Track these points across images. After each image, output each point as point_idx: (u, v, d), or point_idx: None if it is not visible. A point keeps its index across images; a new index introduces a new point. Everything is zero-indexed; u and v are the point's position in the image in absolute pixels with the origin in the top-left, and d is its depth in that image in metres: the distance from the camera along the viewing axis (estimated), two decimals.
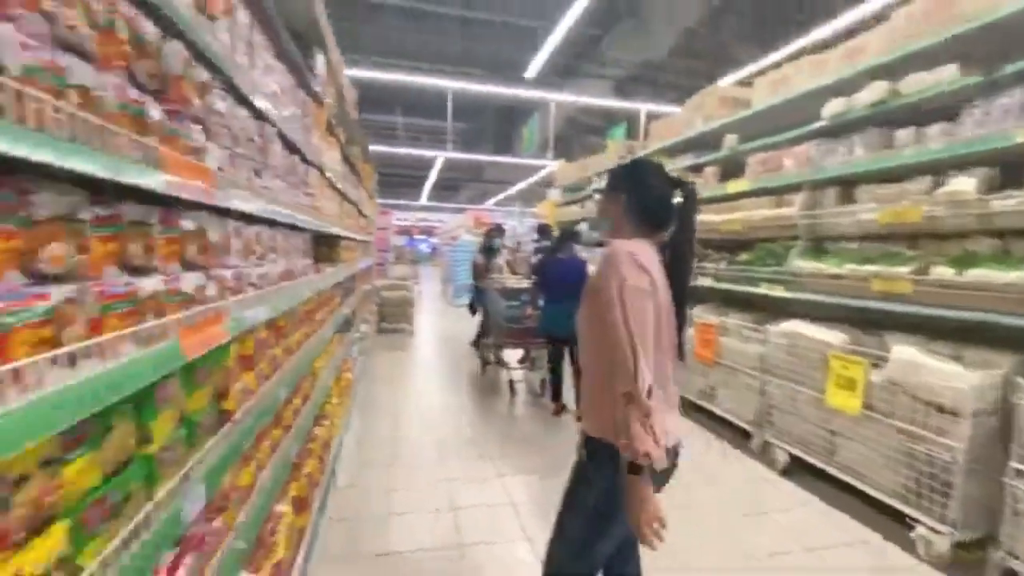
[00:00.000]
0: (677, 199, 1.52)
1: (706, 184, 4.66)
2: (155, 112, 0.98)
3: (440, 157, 14.98)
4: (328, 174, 3.24)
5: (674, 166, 5.35)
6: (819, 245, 3.63)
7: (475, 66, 11.17)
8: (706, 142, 4.90)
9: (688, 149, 5.19)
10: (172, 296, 1.08)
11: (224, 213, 1.43)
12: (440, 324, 9.69)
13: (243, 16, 1.56)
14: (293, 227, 2.34)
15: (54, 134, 0.69)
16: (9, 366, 0.62)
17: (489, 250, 6.36)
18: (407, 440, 3.86)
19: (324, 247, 3.88)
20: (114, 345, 0.84)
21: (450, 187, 24.57)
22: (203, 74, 1.21)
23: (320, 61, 3.04)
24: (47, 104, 0.67)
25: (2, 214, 0.66)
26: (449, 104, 11.12)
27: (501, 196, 23.06)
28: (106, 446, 0.86)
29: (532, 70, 8.99)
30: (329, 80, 3.44)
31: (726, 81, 7.75)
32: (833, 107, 3.35)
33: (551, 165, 13.94)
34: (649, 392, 1.27)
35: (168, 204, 1.10)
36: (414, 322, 8.57)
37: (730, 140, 4.49)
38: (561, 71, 10.75)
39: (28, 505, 0.68)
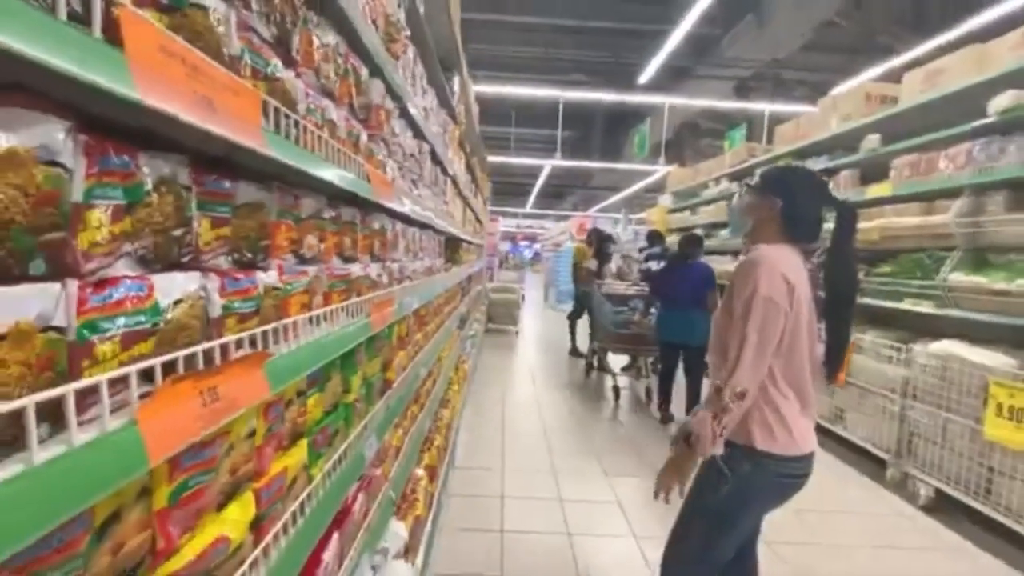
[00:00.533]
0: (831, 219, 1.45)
1: (841, 189, 4.33)
2: (364, 136, 1.25)
3: (548, 165, 15.31)
4: (458, 184, 3.58)
5: None
6: (981, 256, 3.21)
7: (588, 73, 11.30)
8: (842, 143, 4.55)
9: (821, 151, 4.84)
10: (365, 280, 1.36)
11: (392, 215, 1.72)
12: (543, 327, 9.92)
13: (412, 51, 1.86)
14: (434, 229, 2.66)
15: (317, 155, 0.95)
16: (291, 319, 0.88)
17: (601, 255, 6.40)
18: (516, 431, 4.08)
19: (450, 249, 4.26)
20: (336, 314, 1.11)
21: (555, 194, 24.89)
22: (390, 103, 1.49)
23: (456, 83, 3.38)
24: (318, 134, 0.93)
25: (286, 212, 0.93)
26: (560, 112, 11.37)
27: (606, 203, 22.86)
28: (327, 389, 1.14)
29: (646, 75, 8.91)
30: (461, 98, 3.80)
31: (866, 76, 7.04)
32: (1002, 101, 2.97)
33: (661, 171, 13.59)
34: (742, 395, 1.30)
35: (363, 207, 1.38)
36: (519, 323, 8.89)
37: (871, 141, 4.13)
38: (676, 73, 10.49)
39: (291, 422, 0.95)
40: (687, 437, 1.37)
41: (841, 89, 4.59)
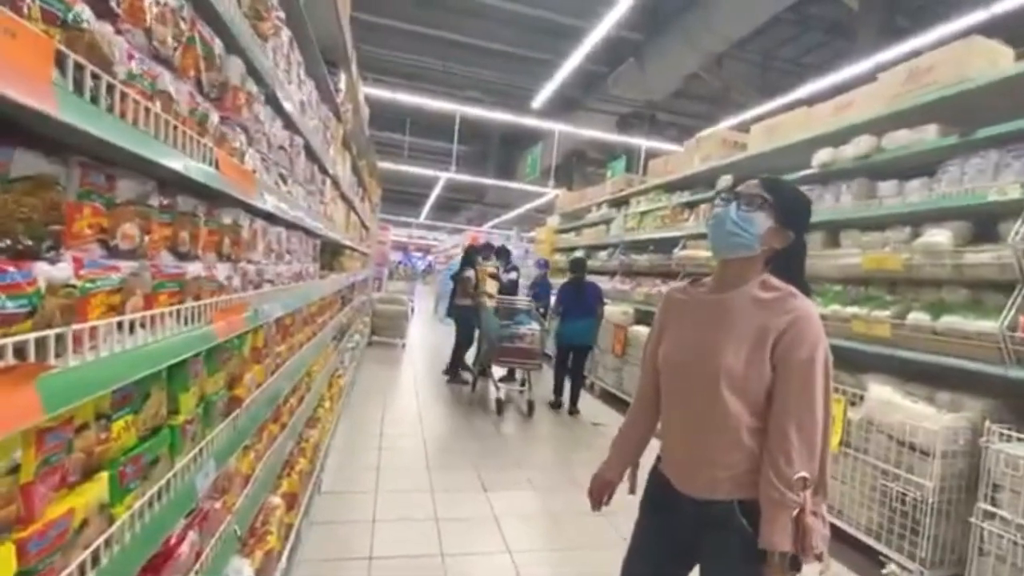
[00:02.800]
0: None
1: (701, 218, 4.85)
2: (214, 117, 1.10)
3: (443, 177, 15.27)
4: (341, 185, 3.37)
5: (669, 202, 5.55)
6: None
7: (483, 91, 11.51)
8: (702, 180, 5.12)
9: (685, 186, 5.41)
10: (209, 282, 1.18)
11: (253, 212, 1.54)
12: (431, 339, 9.73)
13: (285, 35, 1.70)
14: (306, 231, 2.45)
15: (142, 130, 0.80)
16: (87, 324, 0.72)
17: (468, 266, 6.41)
18: (392, 449, 3.89)
19: (329, 255, 3.99)
20: (163, 319, 0.94)
21: (450, 207, 24.87)
22: (253, 86, 1.34)
23: (343, 80, 3.20)
24: (142, 105, 0.78)
25: (93, 193, 0.77)
26: (456, 126, 11.42)
27: (500, 219, 23.36)
28: (144, 410, 0.95)
29: (539, 100, 9.31)
30: (348, 97, 3.61)
31: (724, 125, 8.08)
32: (822, 156, 3.56)
33: (550, 193, 14.24)
34: (819, 489, 1.14)
35: (211, 199, 1.21)
36: (407, 336, 8.62)
37: (724, 180, 4.70)
38: (567, 103, 11.12)
39: (84, 451, 0.77)
40: (785, 556, 1.09)
41: (704, 133, 5.17)
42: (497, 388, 5.24)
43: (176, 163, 0.91)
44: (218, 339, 1.18)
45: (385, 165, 12.41)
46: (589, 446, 4.35)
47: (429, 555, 2.54)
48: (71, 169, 0.71)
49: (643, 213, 6.04)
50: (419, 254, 31.47)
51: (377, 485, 3.25)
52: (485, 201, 20.82)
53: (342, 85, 3.34)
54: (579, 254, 7.38)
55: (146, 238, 0.91)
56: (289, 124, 1.80)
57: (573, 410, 5.27)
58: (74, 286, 0.71)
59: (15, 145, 0.64)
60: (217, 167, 1.10)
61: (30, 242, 0.64)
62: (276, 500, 1.99)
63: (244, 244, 1.43)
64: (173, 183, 1.02)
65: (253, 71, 1.34)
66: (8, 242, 0.61)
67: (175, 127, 0.91)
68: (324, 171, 2.65)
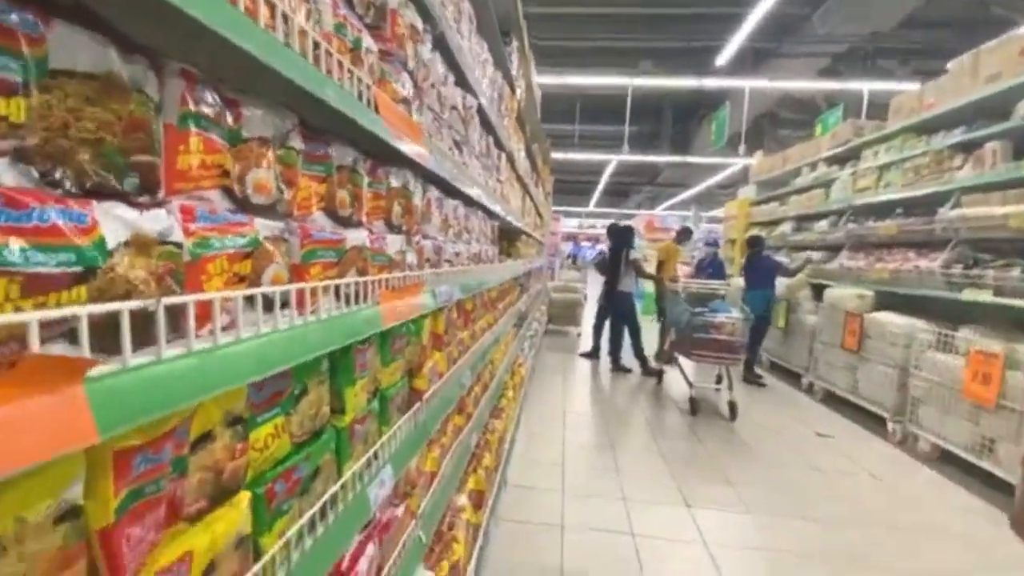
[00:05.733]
0: None
1: (987, 166, 3.50)
2: (370, 44, 0.87)
3: (614, 160, 14.64)
4: (516, 165, 3.18)
5: (928, 148, 4.18)
6: None
7: (657, 60, 10.57)
8: (987, 111, 3.70)
9: (954, 123, 4.00)
10: (376, 256, 0.98)
11: (423, 177, 1.34)
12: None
13: None
14: (484, 210, 2.27)
15: (264, 31, 0.57)
16: (195, 297, 0.50)
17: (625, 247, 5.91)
18: (580, 444, 3.61)
19: (506, 240, 3.87)
20: (316, 294, 0.73)
21: (620, 192, 23.97)
22: (418, 20, 1.11)
23: (515, 53, 2.99)
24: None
25: (205, 120, 0.56)
26: (628, 104, 10.72)
27: (674, 200, 21.69)
28: (298, 411, 0.76)
29: (725, 56, 8.10)
30: (521, 70, 3.40)
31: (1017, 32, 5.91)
32: None
33: (739, 162, 12.55)
34: None
35: (374, 155, 1.00)
36: (581, 325, 8.37)
37: None
38: (757, 56, 9.54)
39: (208, 470, 0.57)
40: None
41: (990, 45, 3.72)
42: (690, 384, 4.60)
43: (323, 90, 0.69)
44: (388, 323, 0.98)
45: (556, 155, 12.34)
46: (816, 466, 3.47)
47: None
48: (166, 78, 0.50)
49: (883, 167, 4.70)
50: (588, 243, 31.18)
51: (563, 484, 2.99)
52: (657, 182, 19.48)
53: (515, 59, 3.14)
54: (754, 232, 6.40)
55: (288, 191, 0.70)
56: (461, 80, 1.57)
57: (750, 377, 5.46)
58: (177, 244, 0.50)
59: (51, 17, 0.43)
60: (376, 110, 0.88)
61: (102, 175, 0.43)
62: (462, 500, 1.83)
63: (417, 214, 1.23)
64: (322, 127, 0.82)
65: (416, 2, 1.11)
66: (61, 172, 0.40)
67: (317, 44, 0.68)
68: (499, 145, 2.45)
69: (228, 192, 0.59)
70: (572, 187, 21.98)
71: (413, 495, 1.34)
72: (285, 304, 0.68)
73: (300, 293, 0.70)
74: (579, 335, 8.14)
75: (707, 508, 2.80)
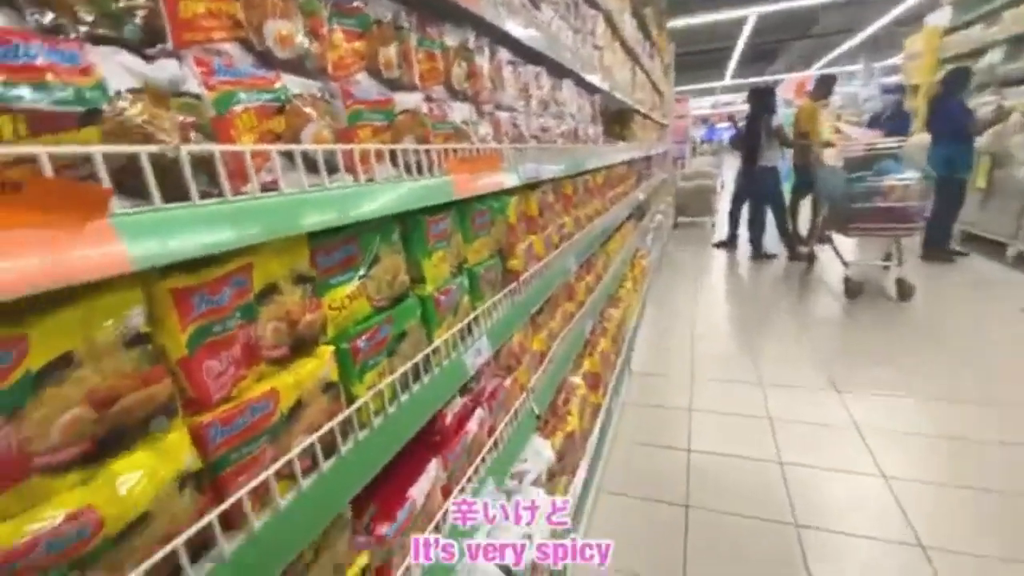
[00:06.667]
0: None
1: None
2: None
3: (752, 15, 12.26)
4: (619, 28, 2.80)
5: None
6: None
7: None
8: None
9: None
10: (438, 124, 0.94)
11: (493, 40, 1.22)
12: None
13: None
14: (579, 82, 2.07)
15: None
16: (220, 147, 0.51)
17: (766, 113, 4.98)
18: (712, 334, 3.44)
19: (617, 123, 3.56)
20: (367, 158, 0.72)
21: (763, 56, 20.28)
22: None
23: None
24: None
25: None
26: None
27: (835, 52, 17.79)
28: (373, 277, 0.78)
29: None
30: None
31: None
32: None
33: None
34: None
35: (418, 7, 0.91)
36: (716, 215, 7.66)
37: None
38: None
39: (282, 320, 0.61)
40: None
41: None
42: (845, 263, 4.00)
43: None
44: (460, 193, 0.95)
45: (675, 23, 10.67)
46: (1013, 348, 2.87)
47: (761, 459, 2.09)
48: None
49: None
50: (725, 124, 27.59)
51: (692, 370, 2.91)
52: (812, 33, 16.00)
53: None
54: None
55: (316, 44, 0.66)
56: None
57: (934, 253, 4.62)
58: (195, 96, 0.50)
59: None
60: None
61: (98, 19, 0.43)
62: (577, 380, 1.87)
63: (484, 79, 1.14)
64: None
65: None
66: (52, 16, 0.41)
67: None
68: (592, 2, 2.15)
69: (246, 45, 0.58)
70: (700, 60, 19.14)
71: (520, 370, 1.39)
72: (335, 170, 0.68)
73: (349, 156, 0.70)
74: (712, 225, 7.50)
75: (861, 393, 2.52)
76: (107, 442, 0.42)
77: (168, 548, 0.45)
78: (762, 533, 1.70)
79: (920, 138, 4.85)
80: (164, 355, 0.48)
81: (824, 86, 5.29)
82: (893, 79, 6.89)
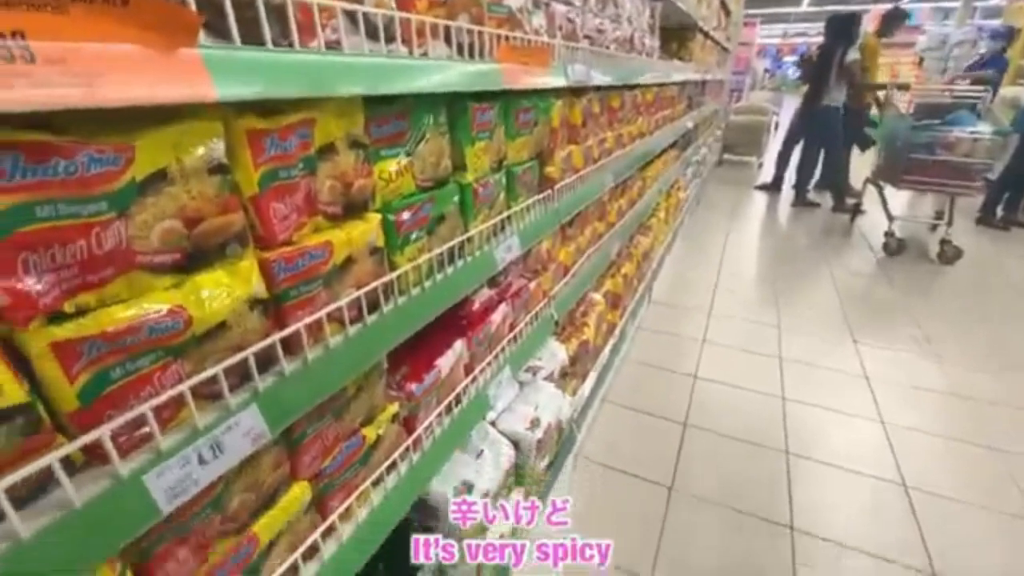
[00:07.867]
0: None
1: None
2: None
3: None
4: None
5: None
6: None
7: None
8: None
9: None
10: (494, 6, 0.92)
11: None
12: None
13: None
14: None
15: None
16: None
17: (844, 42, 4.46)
18: (737, 273, 3.42)
19: (675, 40, 3.33)
20: (423, 32, 0.72)
21: None
22: None
23: None
24: None
25: None
26: None
27: None
28: (419, 155, 0.81)
29: None
30: None
31: None
32: None
33: None
34: None
35: None
36: (764, 155, 7.27)
37: None
38: None
39: (336, 179, 0.66)
40: None
41: None
42: (890, 217, 3.83)
43: None
44: (509, 83, 0.94)
45: None
46: None
47: (765, 393, 2.17)
48: None
49: None
50: (794, 57, 25.17)
51: (712, 305, 2.94)
52: None
53: None
54: None
55: None
56: None
57: (990, 219, 4.38)
58: None
59: None
60: None
61: None
62: (597, 297, 1.92)
63: None
64: None
65: None
66: None
67: None
68: None
69: None
70: None
71: (545, 275, 1.44)
72: (392, 40, 0.69)
73: (407, 27, 0.70)
74: (760, 166, 7.16)
75: (878, 347, 2.53)
76: (194, 256, 0.49)
77: (241, 355, 0.53)
78: (753, 456, 1.82)
79: (1013, 91, 4.39)
80: (239, 190, 0.53)
81: (894, 21, 4.74)
82: (995, 22, 6.11)
